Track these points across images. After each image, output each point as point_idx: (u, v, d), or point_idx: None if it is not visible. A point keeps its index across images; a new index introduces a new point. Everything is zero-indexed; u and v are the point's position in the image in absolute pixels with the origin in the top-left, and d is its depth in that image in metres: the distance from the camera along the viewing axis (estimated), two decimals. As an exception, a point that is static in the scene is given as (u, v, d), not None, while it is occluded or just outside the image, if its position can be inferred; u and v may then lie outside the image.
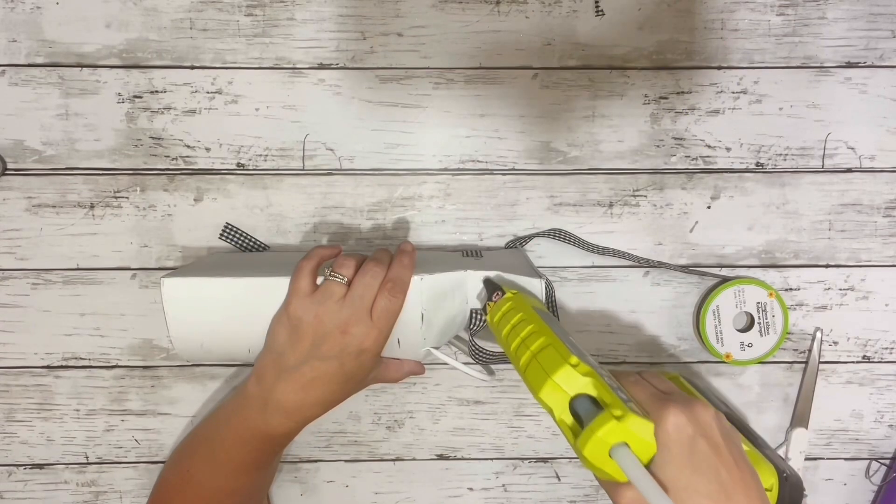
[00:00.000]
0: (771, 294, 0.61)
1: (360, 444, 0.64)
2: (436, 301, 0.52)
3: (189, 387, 0.63)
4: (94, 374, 0.63)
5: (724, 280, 0.62)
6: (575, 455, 0.52)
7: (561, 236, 0.61)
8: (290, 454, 0.64)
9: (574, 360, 0.44)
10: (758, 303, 0.61)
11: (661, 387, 0.46)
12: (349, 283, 0.50)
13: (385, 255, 0.53)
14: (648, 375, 0.48)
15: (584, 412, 0.43)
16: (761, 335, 0.61)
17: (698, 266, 0.63)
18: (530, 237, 0.61)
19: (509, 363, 0.51)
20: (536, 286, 0.53)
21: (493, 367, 0.58)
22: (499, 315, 0.50)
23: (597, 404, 0.43)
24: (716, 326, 0.61)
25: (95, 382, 0.63)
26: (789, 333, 0.63)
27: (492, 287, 0.52)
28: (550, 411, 0.44)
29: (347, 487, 0.64)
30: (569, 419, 0.43)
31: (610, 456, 0.40)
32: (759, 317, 0.61)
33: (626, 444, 0.40)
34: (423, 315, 0.51)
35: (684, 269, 0.62)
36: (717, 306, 0.61)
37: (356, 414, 0.64)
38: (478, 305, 0.54)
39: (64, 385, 0.63)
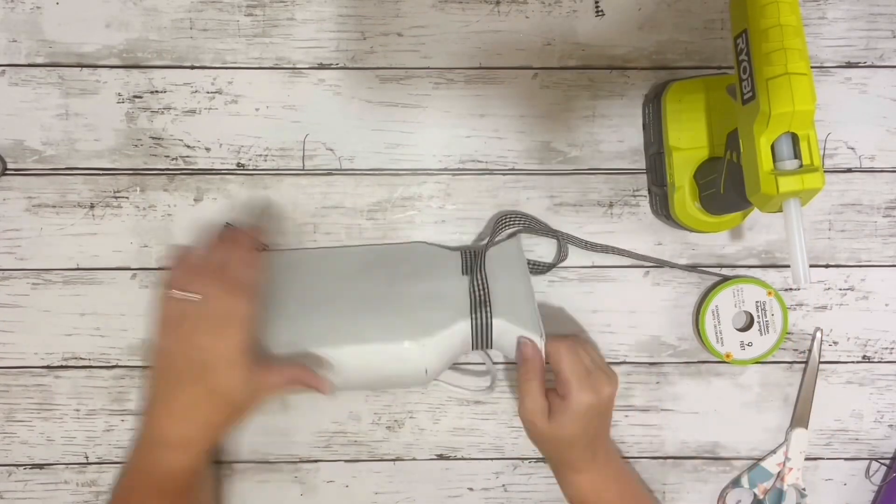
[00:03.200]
0: (770, 293, 0.61)
1: (360, 444, 0.64)
2: (440, 357, 0.53)
3: (189, 387, 0.63)
4: (94, 374, 0.63)
5: (723, 280, 0.62)
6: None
7: (558, 237, 0.61)
8: (290, 454, 0.64)
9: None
10: (757, 302, 0.61)
11: (590, 358, 0.56)
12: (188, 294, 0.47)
13: (220, 250, 0.50)
14: (581, 344, 0.57)
15: (785, 150, 0.46)
16: (761, 334, 0.61)
17: (699, 266, 0.63)
18: (524, 227, 0.61)
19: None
20: (536, 341, 0.53)
21: (494, 372, 0.60)
22: None
23: (796, 151, 0.46)
24: (715, 326, 0.61)
25: (95, 382, 0.63)
26: (789, 333, 0.63)
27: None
28: (757, 134, 0.46)
29: (347, 487, 0.64)
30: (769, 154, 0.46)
31: (784, 206, 0.46)
32: (758, 316, 0.61)
33: (800, 201, 0.46)
34: (426, 370, 0.53)
35: (685, 267, 0.62)
36: (717, 306, 0.61)
37: (356, 414, 0.64)
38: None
39: (64, 385, 0.63)
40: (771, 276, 0.63)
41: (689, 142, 0.57)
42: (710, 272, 0.62)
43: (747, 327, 0.62)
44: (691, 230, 0.59)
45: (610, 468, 0.57)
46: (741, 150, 0.48)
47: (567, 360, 0.53)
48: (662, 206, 0.59)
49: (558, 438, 0.54)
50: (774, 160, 0.46)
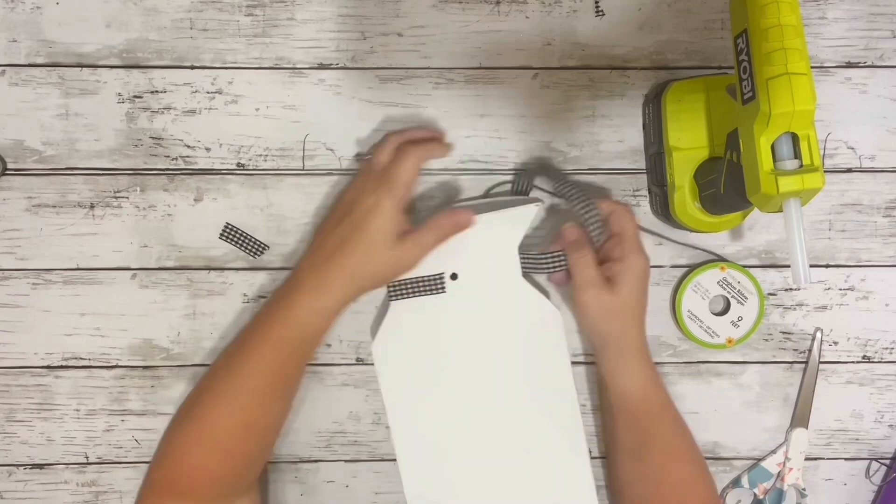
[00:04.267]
0: (722, 268, 0.61)
1: (360, 444, 0.64)
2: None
3: (189, 387, 0.63)
4: (94, 374, 0.63)
5: (678, 284, 0.61)
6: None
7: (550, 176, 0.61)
8: (290, 454, 0.64)
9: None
10: (717, 282, 0.61)
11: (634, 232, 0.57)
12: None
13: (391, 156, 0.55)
14: (632, 218, 0.58)
15: (785, 150, 0.46)
16: (742, 304, 0.61)
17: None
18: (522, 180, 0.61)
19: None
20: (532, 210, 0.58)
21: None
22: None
23: (796, 151, 0.46)
24: (700, 326, 0.61)
25: (95, 382, 0.63)
26: (789, 334, 0.63)
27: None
28: (757, 135, 0.46)
29: (347, 487, 0.64)
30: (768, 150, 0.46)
31: (784, 206, 0.46)
32: (728, 292, 0.61)
33: (800, 201, 0.46)
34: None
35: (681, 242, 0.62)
36: (688, 310, 0.61)
37: (356, 414, 0.64)
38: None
39: (64, 385, 0.63)
40: (771, 275, 0.63)
41: (689, 142, 0.57)
42: (701, 248, 0.62)
43: (727, 307, 0.62)
44: (691, 230, 0.59)
45: (654, 369, 0.57)
46: (741, 150, 0.48)
47: (629, 219, 0.56)
48: (662, 206, 0.59)
49: (621, 309, 0.54)
50: (774, 160, 0.46)
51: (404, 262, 0.54)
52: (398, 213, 0.53)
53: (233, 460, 0.54)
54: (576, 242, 0.56)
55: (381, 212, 0.52)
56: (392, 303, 0.59)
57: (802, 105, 0.44)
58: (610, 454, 0.61)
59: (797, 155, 0.46)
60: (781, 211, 0.47)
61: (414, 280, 0.59)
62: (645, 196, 0.62)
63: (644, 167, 0.62)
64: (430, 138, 0.58)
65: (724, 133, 0.54)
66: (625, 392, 0.56)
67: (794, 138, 0.46)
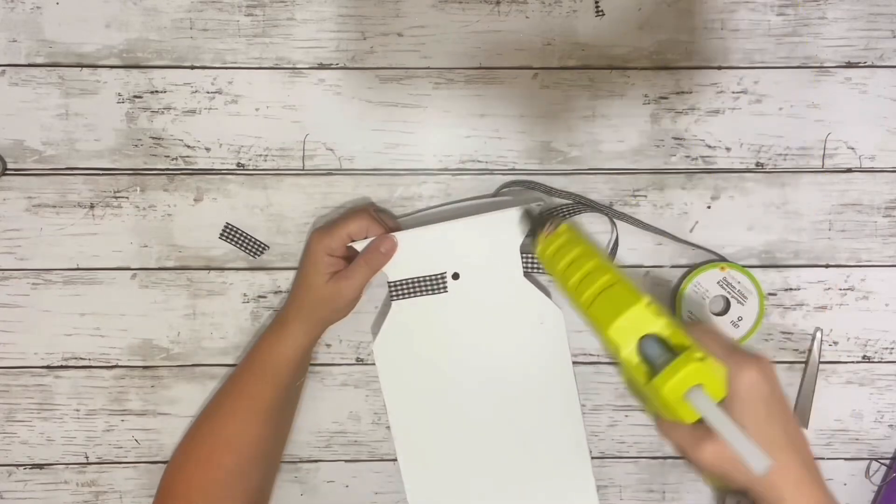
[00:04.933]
0: (722, 268, 0.61)
1: (360, 444, 0.64)
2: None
3: (189, 387, 0.63)
4: (94, 374, 0.63)
5: (677, 285, 0.61)
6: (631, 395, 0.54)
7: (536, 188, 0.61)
8: (290, 454, 0.64)
9: (647, 299, 0.44)
10: (717, 282, 0.61)
11: (725, 342, 0.47)
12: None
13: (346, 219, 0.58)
14: (711, 330, 0.48)
15: (655, 355, 0.43)
16: (742, 304, 0.61)
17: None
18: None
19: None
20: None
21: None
22: (553, 248, 0.50)
23: (666, 346, 0.43)
24: None
25: (95, 382, 0.63)
26: (789, 334, 0.63)
27: (535, 218, 0.53)
28: (616, 349, 0.44)
29: (347, 487, 0.64)
30: (635, 359, 0.44)
31: (685, 398, 0.41)
32: (728, 292, 0.61)
33: (702, 386, 0.41)
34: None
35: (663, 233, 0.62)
36: (688, 310, 0.61)
37: (356, 414, 0.64)
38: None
39: (64, 385, 0.63)
40: (771, 275, 0.63)
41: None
42: (703, 247, 0.62)
43: (727, 307, 0.62)
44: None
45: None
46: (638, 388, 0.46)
47: (710, 337, 0.45)
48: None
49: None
50: (654, 368, 0.43)
51: (342, 295, 0.57)
52: (327, 255, 0.57)
53: (215, 472, 0.57)
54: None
55: (309, 252, 0.58)
56: (393, 302, 0.59)
57: (625, 309, 0.44)
58: None
59: (669, 350, 0.43)
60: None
61: (415, 280, 0.59)
62: (644, 196, 0.62)
63: (643, 167, 0.62)
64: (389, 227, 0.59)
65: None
66: None
67: (655, 338, 0.44)
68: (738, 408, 0.43)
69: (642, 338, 0.44)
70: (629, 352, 0.44)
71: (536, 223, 0.54)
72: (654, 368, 0.43)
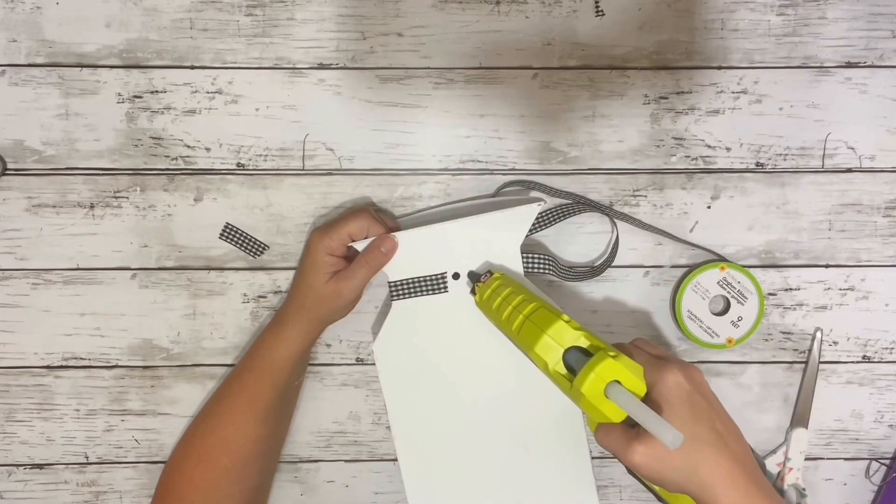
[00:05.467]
0: (722, 268, 0.61)
1: (360, 444, 0.64)
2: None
3: (189, 387, 0.63)
4: (94, 374, 0.63)
5: (678, 284, 0.61)
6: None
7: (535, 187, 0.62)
8: (290, 454, 0.64)
9: (566, 317, 0.49)
10: (717, 282, 0.61)
11: (654, 352, 0.50)
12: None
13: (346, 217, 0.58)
14: (641, 342, 0.51)
15: (577, 362, 0.47)
16: (742, 304, 0.61)
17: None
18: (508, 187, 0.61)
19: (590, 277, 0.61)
20: (534, 209, 0.58)
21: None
22: (488, 293, 0.55)
23: (588, 356, 0.47)
24: (700, 326, 0.61)
25: (95, 382, 0.63)
26: (789, 334, 0.63)
27: (475, 275, 0.58)
28: (544, 365, 0.48)
29: (347, 487, 0.64)
30: (562, 370, 0.48)
31: (605, 394, 0.44)
32: (727, 292, 0.61)
33: (620, 382, 0.44)
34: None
35: (659, 231, 0.62)
36: (688, 310, 0.61)
37: (356, 414, 0.64)
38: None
39: (64, 385, 0.63)
40: (771, 275, 0.63)
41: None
42: (702, 247, 0.62)
43: (727, 307, 0.62)
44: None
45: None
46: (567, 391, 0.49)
47: (637, 350, 0.49)
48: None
49: (681, 452, 0.43)
50: (575, 373, 0.47)
51: (342, 295, 0.57)
52: (327, 255, 0.57)
53: (213, 472, 0.57)
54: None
55: (310, 251, 0.57)
56: (394, 302, 0.59)
57: (551, 330, 0.48)
58: None
59: (589, 354, 0.47)
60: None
61: (416, 280, 0.59)
62: (644, 196, 0.62)
63: (643, 167, 0.62)
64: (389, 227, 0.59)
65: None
66: None
67: (578, 349, 0.48)
68: (662, 407, 0.45)
69: (566, 351, 0.48)
70: (555, 364, 0.48)
71: (474, 278, 0.58)
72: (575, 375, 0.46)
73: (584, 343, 0.48)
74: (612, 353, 0.45)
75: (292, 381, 0.59)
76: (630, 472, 0.48)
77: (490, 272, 0.57)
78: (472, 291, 0.58)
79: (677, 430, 0.41)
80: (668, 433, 0.40)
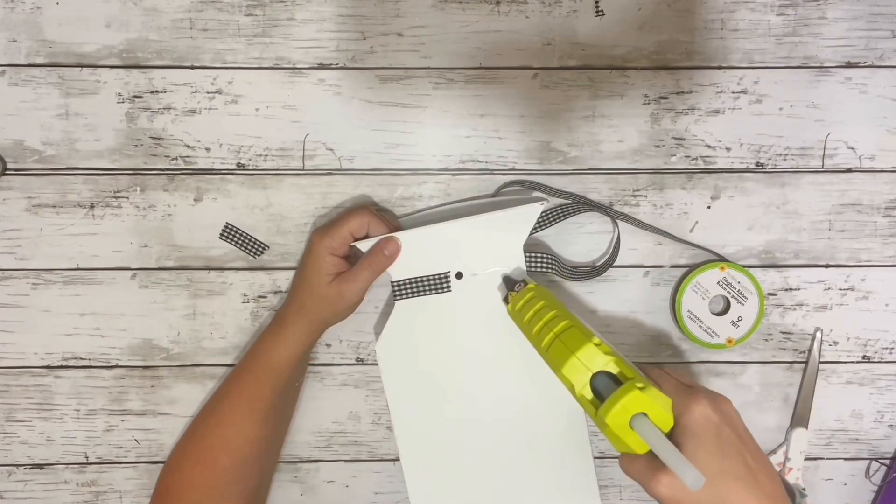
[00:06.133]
0: (722, 268, 0.61)
1: (360, 444, 0.64)
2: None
3: (189, 387, 0.63)
4: (94, 374, 0.63)
5: (678, 284, 0.61)
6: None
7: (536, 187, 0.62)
8: (290, 454, 0.64)
9: (597, 340, 0.48)
10: (717, 282, 0.61)
11: (683, 380, 0.49)
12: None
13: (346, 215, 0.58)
14: (670, 369, 0.51)
15: (605, 388, 0.46)
16: (742, 304, 0.61)
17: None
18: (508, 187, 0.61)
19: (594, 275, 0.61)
20: (536, 208, 0.57)
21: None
22: (521, 303, 0.55)
23: (617, 382, 0.46)
24: (700, 326, 0.61)
25: (95, 382, 0.63)
26: (789, 334, 0.63)
27: (511, 281, 0.57)
28: (571, 387, 0.48)
29: (347, 487, 0.64)
30: (589, 394, 0.47)
31: (630, 426, 0.43)
32: (727, 292, 0.61)
33: (646, 414, 0.43)
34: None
35: (658, 231, 0.62)
36: (688, 310, 0.61)
37: (356, 414, 0.64)
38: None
39: (64, 385, 0.63)
40: (771, 275, 0.63)
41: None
42: (702, 247, 0.62)
43: (727, 307, 0.62)
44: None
45: None
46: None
47: (664, 377, 0.49)
48: None
49: (708, 490, 0.42)
50: (602, 399, 0.46)
51: (345, 298, 0.56)
52: (329, 255, 0.56)
53: (213, 473, 0.57)
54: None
55: (311, 252, 0.57)
56: (397, 302, 0.59)
57: (580, 352, 0.47)
58: None
59: (619, 382, 0.46)
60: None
61: (419, 279, 0.59)
62: (644, 196, 0.62)
63: (643, 167, 0.62)
64: (389, 227, 0.59)
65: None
66: None
67: (608, 374, 0.47)
68: (688, 439, 0.44)
69: (594, 375, 0.47)
70: (582, 388, 0.47)
71: (509, 284, 0.57)
72: (602, 402, 0.45)
73: (613, 369, 0.47)
74: (640, 385, 0.44)
75: (292, 383, 0.59)
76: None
77: (525, 281, 0.56)
78: (505, 300, 0.57)
79: (703, 465, 0.40)
80: (691, 473, 0.39)
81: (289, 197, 0.62)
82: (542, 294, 0.54)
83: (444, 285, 0.59)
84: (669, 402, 0.45)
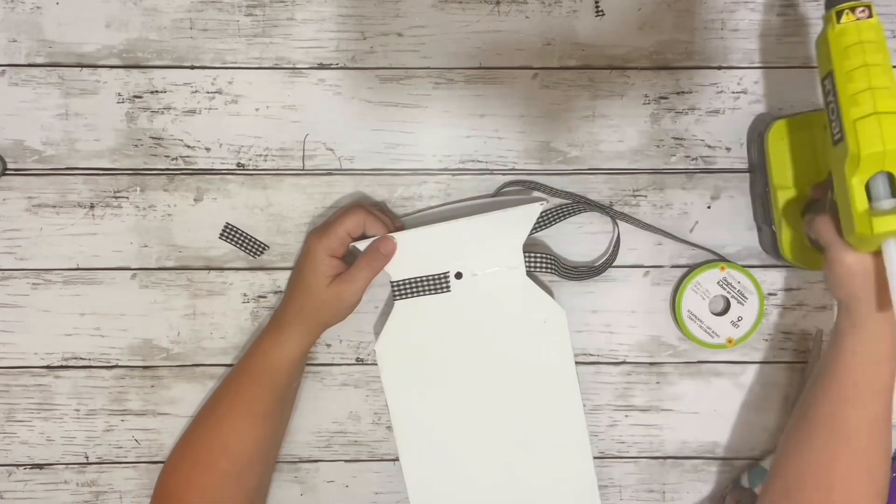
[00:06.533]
0: (722, 268, 0.61)
1: (360, 444, 0.64)
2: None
3: (189, 387, 0.63)
4: (94, 374, 0.63)
5: (678, 283, 0.61)
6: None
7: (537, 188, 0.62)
8: (290, 454, 0.64)
9: None
10: (717, 282, 0.61)
11: None
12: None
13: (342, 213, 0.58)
14: None
15: (881, 189, 0.45)
16: (742, 304, 0.61)
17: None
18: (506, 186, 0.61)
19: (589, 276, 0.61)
20: (536, 209, 0.57)
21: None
22: (849, 39, 0.45)
23: (893, 190, 0.44)
24: (700, 326, 0.61)
25: (95, 382, 0.63)
26: (789, 334, 0.63)
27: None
28: (851, 173, 0.45)
29: (347, 487, 0.64)
30: (861, 190, 0.45)
31: (882, 246, 0.44)
32: (727, 292, 0.61)
33: None
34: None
35: (657, 230, 0.62)
36: (688, 310, 0.61)
37: (356, 414, 0.64)
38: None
39: (64, 385, 0.63)
40: (771, 275, 0.63)
41: (794, 181, 0.56)
42: (700, 246, 0.62)
43: (727, 307, 0.62)
44: (802, 268, 0.58)
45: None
46: (835, 191, 0.47)
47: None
48: (772, 246, 0.59)
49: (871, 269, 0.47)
50: (870, 200, 0.45)
51: (343, 299, 0.56)
52: (327, 256, 0.56)
53: (212, 475, 0.57)
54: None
55: (309, 254, 0.57)
56: (396, 302, 0.59)
57: (893, 144, 0.43)
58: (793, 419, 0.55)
59: (894, 194, 0.45)
60: (880, 251, 0.45)
61: (418, 279, 0.59)
62: (644, 196, 0.62)
63: (644, 167, 0.62)
64: (386, 223, 0.59)
65: (828, 171, 0.51)
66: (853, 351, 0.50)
67: (890, 177, 0.45)
68: None
69: (878, 172, 0.45)
70: (861, 178, 0.45)
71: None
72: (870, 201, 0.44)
73: None
74: None
75: (290, 384, 0.59)
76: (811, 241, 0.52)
77: (860, 7, 0.45)
78: (826, 19, 0.46)
79: None
80: None
81: (289, 197, 0.62)
82: (881, 45, 0.45)
83: (444, 285, 0.59)
84: None
